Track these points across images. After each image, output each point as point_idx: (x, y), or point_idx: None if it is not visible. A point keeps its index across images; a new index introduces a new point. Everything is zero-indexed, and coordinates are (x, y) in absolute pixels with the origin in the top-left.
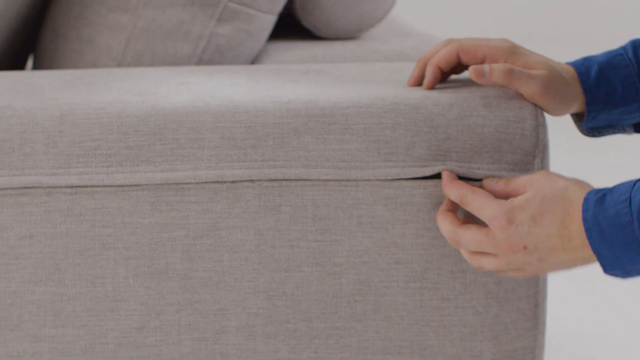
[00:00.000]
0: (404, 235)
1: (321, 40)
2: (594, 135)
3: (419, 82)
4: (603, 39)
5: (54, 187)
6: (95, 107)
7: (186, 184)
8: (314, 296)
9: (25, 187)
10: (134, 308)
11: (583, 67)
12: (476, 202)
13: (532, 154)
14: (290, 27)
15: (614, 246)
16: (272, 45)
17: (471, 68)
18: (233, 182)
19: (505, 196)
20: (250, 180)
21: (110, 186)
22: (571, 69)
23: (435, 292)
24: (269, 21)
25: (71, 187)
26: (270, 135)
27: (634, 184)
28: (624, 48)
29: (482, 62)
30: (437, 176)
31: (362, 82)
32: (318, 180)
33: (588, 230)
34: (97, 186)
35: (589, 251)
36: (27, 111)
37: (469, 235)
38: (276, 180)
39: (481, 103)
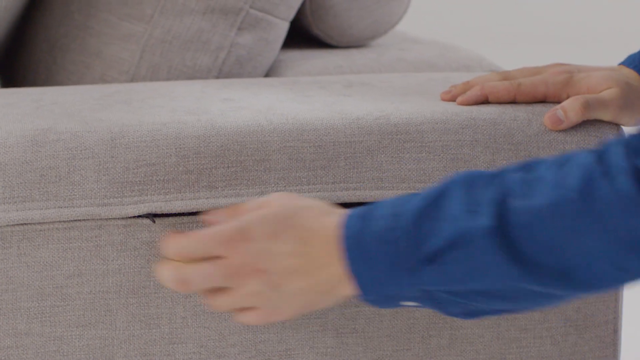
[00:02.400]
0: None
1: (333, 48)
2: None
3: (453, 99)
4: (610, 37)
5: (106, 220)
6: (149, 128)
7: None
8: (386, 332)
9: (74, 220)
10: (193, 351)
11: None
12: (198, 241)
13: None
14: (292, 36)
15: (377, 267)
16: (284, 55)
17: (546, 117)
18: None
19: None
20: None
21: (168, 215)
22: (634, 73)
23: (513, 322)
24: (284, 29)
25: (125, 218)
26: (342, 155)
27: (405, 199)
28: None
29: (542, 101)
30: None
31: (417, 95)
32: None
33: (347, 249)
34: (155, 216)
35: (335, 272)
36: (74, 135)
37: (195, 270)
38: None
39: None
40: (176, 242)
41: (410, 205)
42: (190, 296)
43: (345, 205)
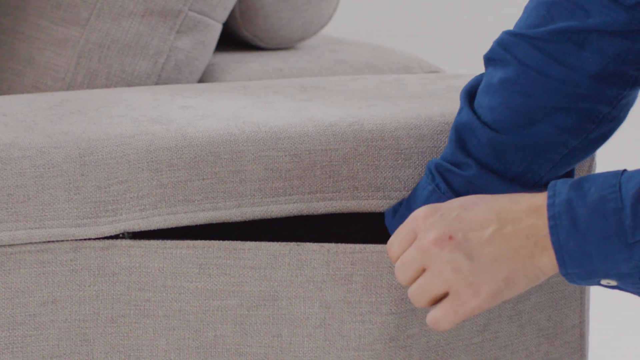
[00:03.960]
0: None
1: (262, 50)
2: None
3: None
4: None
5: (81, 241)
6: (117, 142)
7: (241, 247)
8: None
9: (47, 242)
10: None
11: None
12: (399, 232)
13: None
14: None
15: (587, 239)
16: (214, 59)
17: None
18: (297, 245)
19: None
20: (319, 245)
21: (148, 236)
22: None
23: (494, 342)
24: (219, 31)
25: (102, 239)
26: (318, 163)
27: (622, 172)
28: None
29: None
30: None
31: (379, 99)
32: None
33: (553, 217)
34: (133, 236)
35: (536, 240)
36: (39, 151)
37: (400, 258)
38: (347, 245)
39: None
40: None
41: (633, 178)
42: (174, 328)
43: (321, 216)
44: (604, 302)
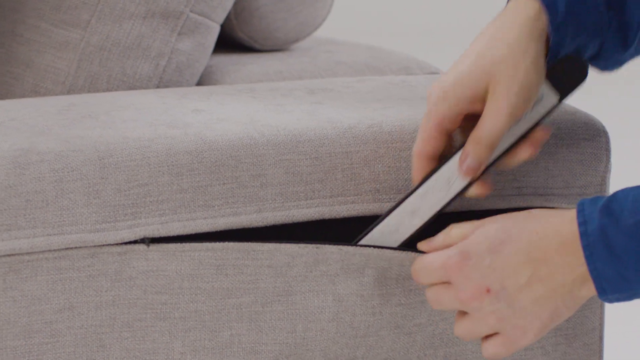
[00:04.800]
0: None
1: (257, 52)
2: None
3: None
4: None
5: (99, 247)
6: (136, 145)
7: (260, 248)
8: (384, 356)
9: (65, 249)
10: None
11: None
12: (424, 263)
13: (603, 174)
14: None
15: (625, 265)
16: (211, 61)
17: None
18: (316, 247)
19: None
20: (337, 248)
21: (166, 241)
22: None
23: None
24: (217, 33)
25: (119, 244)
26: (339, 166)
27: None
28: None
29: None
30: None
31: (391, 101)
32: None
33: (588, 246)
34: (152, 241)
35: (574, 273)
36: (58, 155)
37: (431, 293)
38: (364, 247)
39: (548, 120)
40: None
41: None
42: (190, 330)
43: (344, 220)
44: (614, 306)
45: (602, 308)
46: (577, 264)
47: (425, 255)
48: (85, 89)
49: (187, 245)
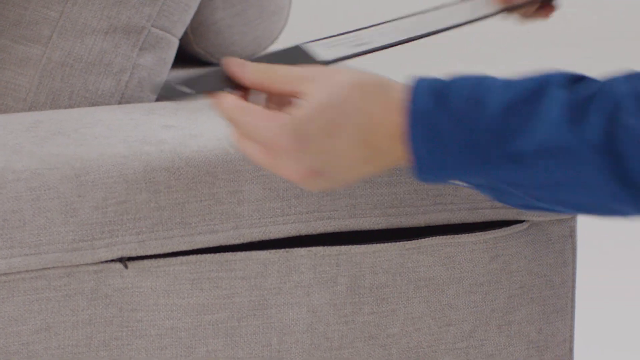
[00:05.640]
0: (458, 295)
1: (214, 66)
2: None
3: None
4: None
5: (76, 266)
6: (112, 162)
7: (232, 258)
8: None
9: (42, 269)
10: None
11: None
12: (248, 123)
13: None
14: None
15: (447, 150)
16: (169, 76)
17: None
18: (286, 251)
19: (272, 91)
20: (307, 250)
21: (143, 258)
22: None
23: (481, 349)
24: (176, 48)
25: (96, 263)
26: None
27: (485, 83)
28: None
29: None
30: (492, 225)
31: None
32: (378, 244)
33: (414, 125)
34: (129, 259)
35: (397, 156)
36: (34, 173)
37: (253, 133)
38: (333, 247)
39: None
40: (228, 111)
41: (496, 94)
42: (166, 347)
43: (320, 235)
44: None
45: (572, 320)
46: (402, 146)
47: (254, 119)
48: (47, 105)
49: (162, 261)
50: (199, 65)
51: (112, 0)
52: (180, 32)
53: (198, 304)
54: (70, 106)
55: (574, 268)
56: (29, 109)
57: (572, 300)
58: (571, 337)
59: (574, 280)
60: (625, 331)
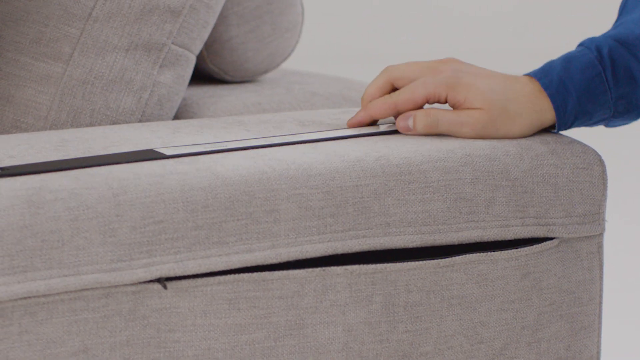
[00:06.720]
0: (490, 313)
1: (227, 84)
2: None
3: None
4: None
5: (114, 287)
6: (149, 181)
7: (270, 277)
8: None
9: (80, 290)
10: None
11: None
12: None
13: (600, 203)
14: None
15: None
16: (185, 93)
17: (399, 119)
18: (323, 270)
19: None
20: (343, 268)
21: (181, 278)
22: (532, 87)
23: None
24: (194, 65)
25: (134, 284)
26: (350, 200)
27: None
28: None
29: (424, 102)
30: (522, 242)
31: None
32: (413, 262)
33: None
34: (167, 279)
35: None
36: (71, 192)
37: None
38: (369, 265)
39: (547, 150)
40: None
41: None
42: None
43: (354, 255)
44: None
45: (599, 337)
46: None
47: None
48: (68, 123)
49: (200, 281)
50: (212, 82)
51: (133, 17)
52: (198, 49)
53: (235, 324)
54: (92, 124)
55: (601, 284)
56: (50, 127)
57: (599, 316)
58: (598, 353)
59: (601, 297)
60: None
